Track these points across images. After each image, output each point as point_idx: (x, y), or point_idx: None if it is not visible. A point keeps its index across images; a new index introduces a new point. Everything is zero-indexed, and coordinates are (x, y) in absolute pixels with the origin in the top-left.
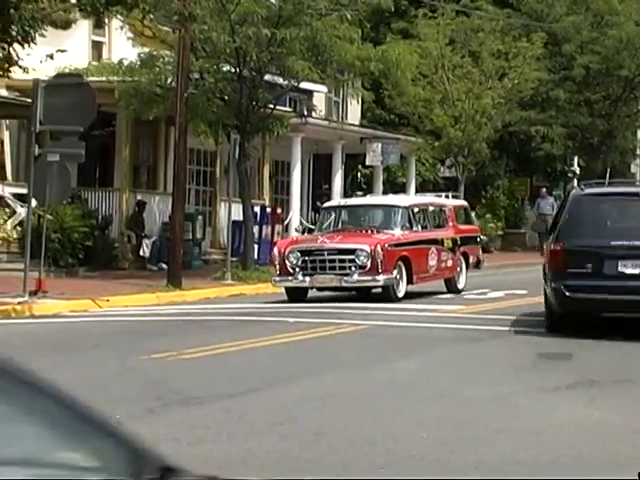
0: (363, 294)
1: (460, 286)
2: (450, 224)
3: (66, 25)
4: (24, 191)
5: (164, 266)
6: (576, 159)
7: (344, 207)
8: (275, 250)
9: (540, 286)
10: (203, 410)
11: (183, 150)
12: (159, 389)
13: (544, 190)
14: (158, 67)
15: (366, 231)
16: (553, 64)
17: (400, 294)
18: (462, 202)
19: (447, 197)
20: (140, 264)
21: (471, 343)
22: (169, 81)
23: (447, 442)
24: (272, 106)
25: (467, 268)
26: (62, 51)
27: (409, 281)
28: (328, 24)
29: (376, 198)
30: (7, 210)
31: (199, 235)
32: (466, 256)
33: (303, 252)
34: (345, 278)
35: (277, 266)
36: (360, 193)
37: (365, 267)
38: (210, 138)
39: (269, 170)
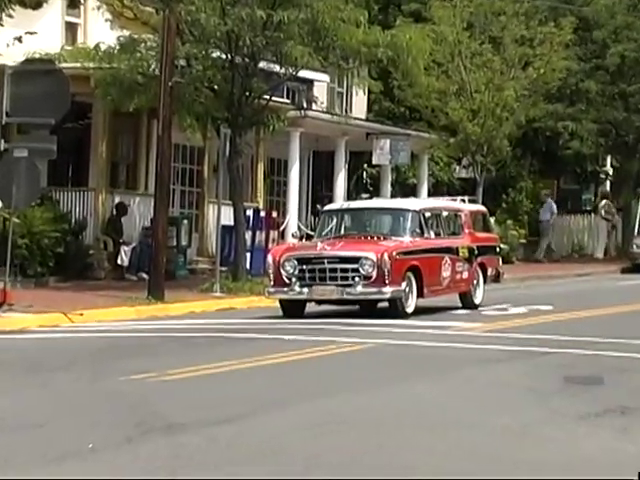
0: (367, 308)
1: (477, 301)
2: (466, 231)
3: (36, 4)
4: None
5: (145, 276)
6: (609, 159)
7: (347, 211)
8: (269, 258)
9: (568, 300)
10: (187, 438)
11: (167, 146)
12: (138, 414)
13: (544, 192)
14: (139, 52)
15: (371, 237)
16: (584, 52)
17: (409, 309)
18: (480, 207)
19: (463, 201)
20: (118, 274)
21: (489, 365)
22: (152, 68)
23: (460, 475)
24: (267, 97)
25: (485, 281)
26: (32, 33)
27: (419, 294)
28: (331, 5)
29: (383, 201)
30: None
31: (184, 241)
32: (484, 267)
33: (301, 260)
34: (347, 290)
35: (271, 276)
36: (365, 195)
37: (370, 278)
38: (197, 133)
39: (264, 169)
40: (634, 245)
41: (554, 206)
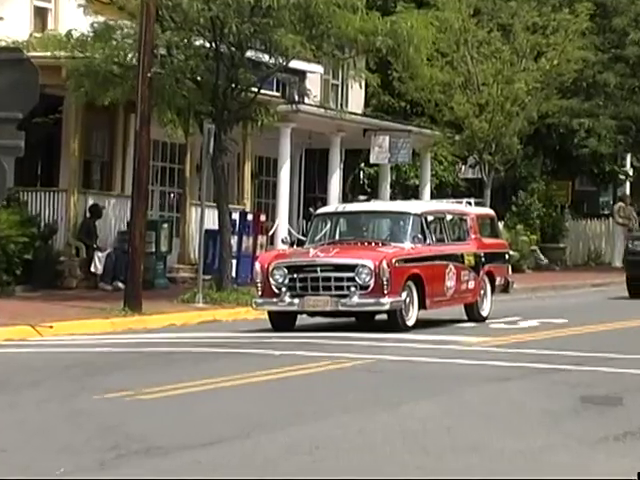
0: (364, 321)
1: (484, 313)
2: (472, 237)
3: None
4: None
5: (120, 285)
6: (629, 158)
7: (342, 214)
8: (257, 266)
9: (584, 313)
10: (167, 462)
11: (145, 143)
12: (113, 436)
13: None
14: (115, 40)
15: (369, 243)
16: (601, 41)
17: (410, 322)
18: (488, 210)
19: (469, 203)
20: (91, 282)
21: (498, 383)
22: (129, 58)
23: None
24: (255, 90)
25: (493, 291)
26: None
27: (421, 306)
28: None
29: (382, 204)
30: None
31: (164, 247)
32: (492, 276)
33: (291, 268)
34: (342, 301)
35: (259, 286)
36: (362, 197)
37: (367, 287)
38: (179, 128)
39: (251, 168)
40: None
41: None
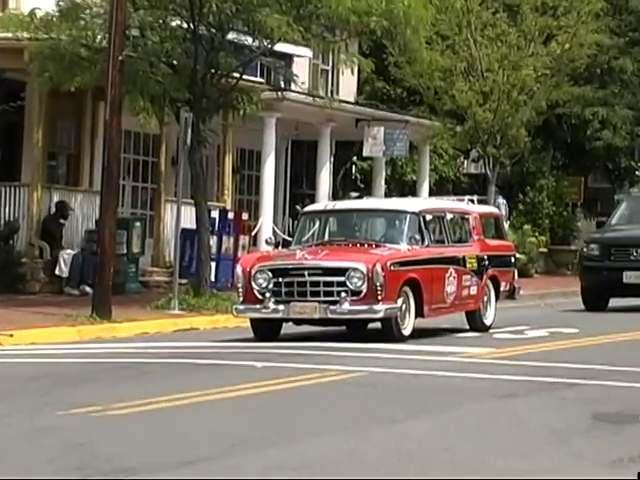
0: (356, 330)
1: (488, 322)
2: (475, 238)
3: None
4: None
5: (88, 290)
6: None
7: (332, 212)
8: (238, 269)
9: (598, 322)
10: None
11: (116, 133)
12: (79, 455)
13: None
14: (84, 20)
15: (361, 245)
16: (617, 24)
17: (406, 331)
18: (492, 208)
19: (472, 201)
20: (56, 287)
21: (502, 399)
22: (98, 39)
23: None
24: (237, 75)
25: (497, 297)
26: None
27: (419, 313)
28: None
29: (376, 201)
30: None
31: (136, 248)
32: (496, 281)
33: (276, 272)
34: (332, 308)
35: (241, 291)
36: (355, 194)
37: (359, 293)
38: (153, 117)
39: (232, 162)
40: None
41: (502, 202)
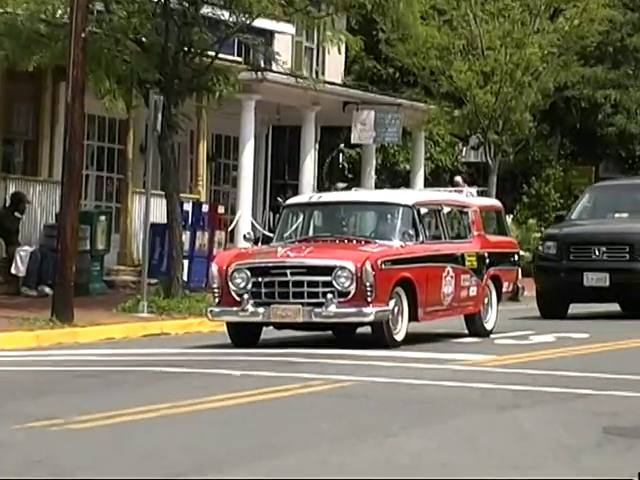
0: (344, 335)
1: (489, 326)
2: (475, 233)
3: None
4: None
5: (47, 290)
6: None
7: (317, 205)
8: (214, 268)
9: (610, 326)
10: None
11: (79, 118)
12: (37, 473)
13: (458, 179)
14: None
15: (349, 241)
16: None
17: (399, 336)
18: (493, 201)
19: (471, 193)
20: (12, 287)
21: (505, 411)
22: (59, 14)
23: None
24: (213, 54)
25: (499, 299)
26: None
27: (413, 317)
28: None
29: (365, 193)
30: None
31: (101, 245)
32: (498, 281)
33: (255, 271)
34: (317, 310)
35: (216, 292)
36: (342, 185)
37: (347, 294)
38: (119, 100)
39: (207, 149)
40: None
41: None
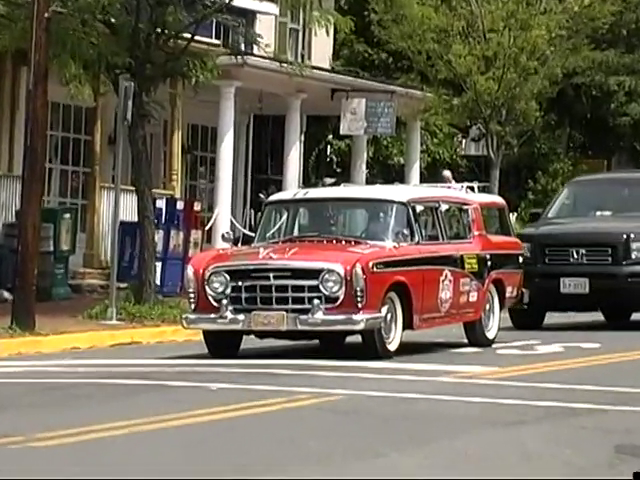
0: (331, 344)
1: (490, 334)
2: (475, 233)
3: None
4: None
5: (7, 295)
6: None
7: (303, 202)
8: (189, 270)
9: (623, 335)
10: None
11: (42, 106)
12: None
13: (447, 173)
14: None
15: (338, 241)
16: None
17: (392, 345)
18: (496, 198)
19: (471, 189)
20: None
21: (507, 428)
22: None
23: None
24: (189, 36)
25: (502, 305)
26: None
27: (407, 324)
28: None
29: (356, 189)
30: None
31: (66, 245)
32: (501, 286)
33: (235, 274)
34: (303, 317)
35: (192, 297)
36: (330, 180)
37: (336, 300)
38: (86, 87)
39: (182, 140)
40: None
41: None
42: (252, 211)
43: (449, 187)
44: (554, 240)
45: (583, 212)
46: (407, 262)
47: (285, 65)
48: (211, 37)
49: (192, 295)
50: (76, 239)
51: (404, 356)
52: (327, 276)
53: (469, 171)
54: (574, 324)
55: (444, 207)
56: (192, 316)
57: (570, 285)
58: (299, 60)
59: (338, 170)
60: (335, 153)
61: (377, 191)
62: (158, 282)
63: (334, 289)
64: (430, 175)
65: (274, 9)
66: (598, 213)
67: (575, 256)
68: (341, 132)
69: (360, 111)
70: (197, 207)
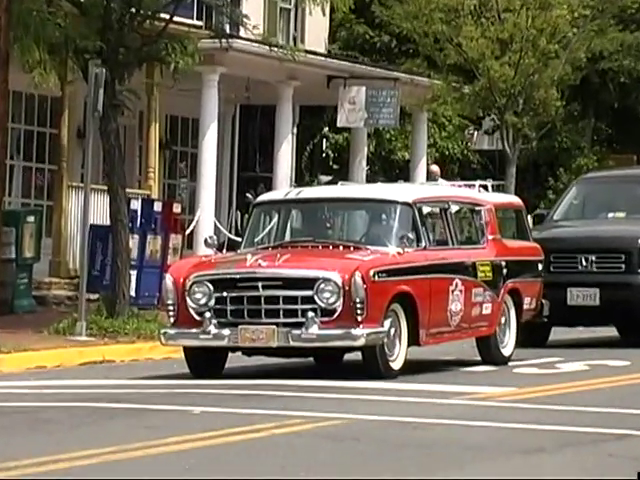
0: (328, 362)
1: (506, 351)
2: (489, 238)
3: None
4: None
5: None
6: None
7: (296, 203)
8: (168, 280)
9: None
10: None
11: (2, 95)
12: None
13: (434, 168)
14: None
15: (335, 247)
16: None
17: (396, 364)
18: (512, 198)
19: (485, 187)
20: None
21: (526, 456)
22: None
23: None
24: (167, 17)
25: (519, 318)
26: None
27: (413, 340)
28: None
29: (355, 188)
30: None
31: (29, 252)
32: (518, 296)
33: (219, 284)
34: (295, 332)
35: (171, 309)
36: (326, 178)
37: (332, 312)
38: (52, 74)
39: (160, 134)
40: None
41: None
42: (238, 213)
43: (437, 184)
44: (560, 245)
45: (593, 213)
46: (412, 270)
47: (275, 49)
48: (192, 18)
49: (171, 307)
50: (41, 245)
51: (409, 376)
52: (323, 286)
53: (482, 168)
54: (597, 339)
55: (454, 208)
56: (171, 331)
57: (578, 296)
58: (291, 43)
59: (335, 167)
60: (332, 148)
61: (379, 190)
62: (133, 293)
63: (331, 300)
64: (440, 172)
65: None
66: (610, 215)
67: (584, 263)
68: (338, 124)
69: (359, 101)
70: (177, 209)
